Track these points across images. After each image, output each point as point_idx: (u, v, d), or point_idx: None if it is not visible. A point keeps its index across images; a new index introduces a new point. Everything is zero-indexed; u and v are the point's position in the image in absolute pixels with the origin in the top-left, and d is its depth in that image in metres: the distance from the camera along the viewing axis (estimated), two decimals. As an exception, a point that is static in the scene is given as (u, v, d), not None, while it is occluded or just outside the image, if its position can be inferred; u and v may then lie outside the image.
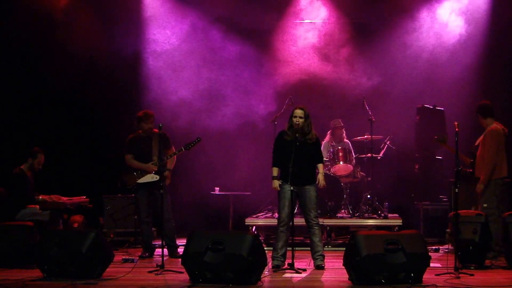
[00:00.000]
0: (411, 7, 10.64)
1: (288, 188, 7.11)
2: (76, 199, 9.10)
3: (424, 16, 10.61)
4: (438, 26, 10.59)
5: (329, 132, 10.13)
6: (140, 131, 8.38)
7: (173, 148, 8.37)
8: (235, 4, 10.56)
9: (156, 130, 8.36)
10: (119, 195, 9.81)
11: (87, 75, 10.66)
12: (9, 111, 10.52)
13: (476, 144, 8.15)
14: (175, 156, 8.34)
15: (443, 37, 10.55)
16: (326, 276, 6.93)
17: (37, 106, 10.62)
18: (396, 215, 9.54)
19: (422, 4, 10.66)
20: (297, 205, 8.10)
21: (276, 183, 7.29)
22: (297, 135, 7.22)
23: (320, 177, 7.49)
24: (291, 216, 7.21)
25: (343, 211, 9.66)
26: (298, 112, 7.35)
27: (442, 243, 8.88)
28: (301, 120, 7.28)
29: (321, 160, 7.56)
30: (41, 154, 8.82)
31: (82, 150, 10.41)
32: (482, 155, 7.97)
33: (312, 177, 7.43)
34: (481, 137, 8.09)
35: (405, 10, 10.61)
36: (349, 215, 9.48)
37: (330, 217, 9.25)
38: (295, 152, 7.05)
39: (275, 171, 7.37)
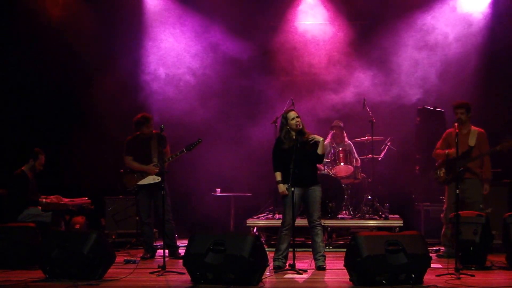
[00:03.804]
0: (412, 9, 10.67)
1: (295, 191, 7.11)
2: (78, 200, 9.11)
3: (425, 18, 10.64)
4: (439, 28, 10.62)
5: (330, 133, 10.15)
6: (138, 133, 8.40)
7: (168, 147, 8.38)
8: (236, 6, 10.59)
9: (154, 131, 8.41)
10: (121, 196, 9.85)
11: (89, 76, 10.68)
12: (10, 112, 10.55)
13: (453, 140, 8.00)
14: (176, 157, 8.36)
15: (443, 39, 10.58)
16: (327, 277, 6.95)
17: (38, 108, 10.65)
18: (397, 216, 9.56)
19: (423, 6, 10.69)
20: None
21: (283, 187, 7.25)
22: (297, 136, 7.23)
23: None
24: (294, 218, 7.22)
25: (344, 212, 9.68)
26: (294, 113, 7.34)
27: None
28: (299, 119, 7.29)
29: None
30: (42, 155, 8.84)
31: (84, 152, 10.44)
32: (480, 156, 7.99)
33: (316, 177, 7.43)
34: (471, 138, 8.03)
35: (406, 11, 10.65)
36: (350, 216, 9.51)
37: (331, 218, 9.26)
38: (297, 154, 7.05)
39: (279, 176, 7.32)
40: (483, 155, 8.00)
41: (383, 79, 10.63)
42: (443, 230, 8.29)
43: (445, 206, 8.30)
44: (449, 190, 8.21)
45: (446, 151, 8.05)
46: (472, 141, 8.02)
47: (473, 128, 8.13)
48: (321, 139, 7.33)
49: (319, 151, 7.30)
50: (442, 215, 8.36)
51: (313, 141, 7.29)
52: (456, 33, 10.51)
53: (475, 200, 7.99)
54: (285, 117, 7.36)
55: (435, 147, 8.43)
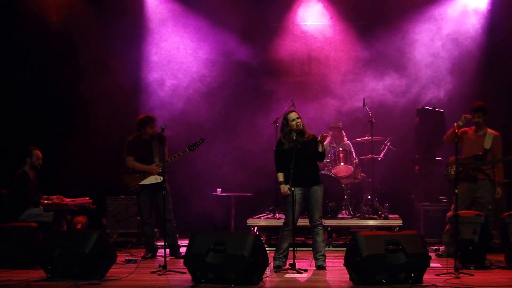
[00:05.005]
0: (412, 9, 10.70)
1: (297, 191, 7.15)
2: (79, 200, 9.14)
3: (425, 18, 10.67)
4: (439, 29, 10.65)
5: (330, 133, 10.17)
6: (139, 133, 8.43)
7: (166, 149, 8.41)
8: (235, 7, 10.62)
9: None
10: (122, 196, 9.89)
11: (90, 77, 10.72)
12: (12, 113, 10.58)
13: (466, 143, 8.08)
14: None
15: (443, 40, 10.61)
16: (328, 276, 6.98)
17: (40, 108, 10.68)
18: (397, 215, 9.59)
19: (423, 6, 10.72)
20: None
21: (285, 187, 7.26)
22: (298, 137, 7.26)
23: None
24: (297, 218, 7.26)
25: (344, 211, 9.71)
26: (295, 114, 7.35)
27: (442, 244, 8.93)
28: (300, 120, 7.31)
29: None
30: (36, 150, 8.80)
31: (85, 152, 10.47)
32: (493, 162, 7.99)
33: (318, 177, 7.45)
34: (487, 140, 8.04)
35: (406, 12, 10.69)
36: (350, 216, 9.53)
37: (331, 218, 9.30)
38: (298, 154, 7.08)
39: (281, 176, 7.33)
40: (496, 162, 8.00)
41: (382, 79, 10.66)
42: (446, 228, 8.29)
43: (453, 205, 8.26)
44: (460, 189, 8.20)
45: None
46: (487, 144, 7.98)
47: (489, 130, 8.08)
48: (321, 141, 7.34)
49: (320, 148, 7.33)
50: (449, 214, 8.32)
51: (312, 138, 7.35)
52: (456, 34, 10.54)
53: (486, 201, 7.98)
54: (286, 118, 7.38)
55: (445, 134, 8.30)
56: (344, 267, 6.67)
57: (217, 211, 10.81)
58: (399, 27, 10.70)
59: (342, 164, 9.73)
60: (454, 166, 8.02)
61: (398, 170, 10.46)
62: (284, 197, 7.34)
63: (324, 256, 7.39)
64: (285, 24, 11.12)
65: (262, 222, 9.44)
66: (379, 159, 10.09)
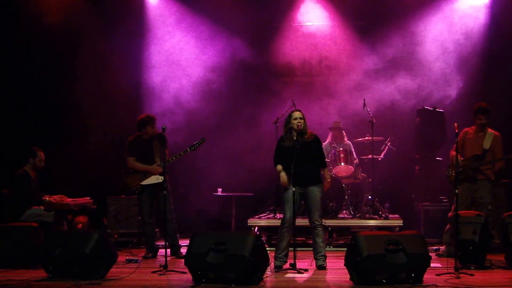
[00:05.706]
0: (413, 9, 10.71)
1: (293, 189, 7.16)
2: (80, 200, 9.14)
3: (424, 18, 10.67)
4: (439, 29, 10.65)
5: (330, 134, 10.20)
6: (140, 133, 8.43)
7: (167, 150, 8.42)
8: (236, 7, 10.63)
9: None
10: (123, 196, 9.89)
11: (90, 77, 10.72)
12: (13, 113, 10.59)
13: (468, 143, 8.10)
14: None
15: (443, 40, 10.61)
16: (328, 276, 6.99)
17: (40, 108, 10.68)
18: (397, 215, 9.60)
19: (423, 6, 10.73)
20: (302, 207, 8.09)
21: (285, 177, 7.26)
22: (298, 137, 7.27)
23: (326, 184, 7.56)
24: (295, 217, 7.26)
25: (344, 211, 9.72)
26: (298, 114, 7.38)
27: (442, 244, 8.93)
28: (302, 121, 7.34)
29: (324, 164, 7.60)
30: (40, 151, 8.84)
31: (86, 152, 10.48)
32: (493, 162, 7.99)
33: (316, 178, 7.43)
34: (486, 140, 8.04)
35: (406, 12, 10.69)
36: (350, 216, 9.55)
37: (331, 218, 9.31)
38: (297, 154, 7.08)
39: (280, 167, 7.34)
40: (495, 161, 7.99)
41: (383, 79, 10.67)
42: (447, 228, 8.29)
43: (453, 206, 8.26)
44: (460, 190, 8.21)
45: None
46: (487, 144, 7.98)
47: (489, 130, 8.07)
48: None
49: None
50: (450, 214, 8.31)
51: (313, 138, 7.40)
52: (456, 34, 10.55)
53: (485, 201, 7.99)
54: (289, 116, 7.43)
55: (452, 148, 8.34)
56: (345, 267, 6.68)
57: (217, 211, 10.82)
58: (400, 27, 10.70)
59: (342, 164, 9.73)
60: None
61: (398, 170, 10.46)
62: (282, 195, 7.34)
63: (325, 256, 7.40)
64: (288, 25, 11.11)
65: (263, 222, 9.45)
66: (380, 159, 10.10)
